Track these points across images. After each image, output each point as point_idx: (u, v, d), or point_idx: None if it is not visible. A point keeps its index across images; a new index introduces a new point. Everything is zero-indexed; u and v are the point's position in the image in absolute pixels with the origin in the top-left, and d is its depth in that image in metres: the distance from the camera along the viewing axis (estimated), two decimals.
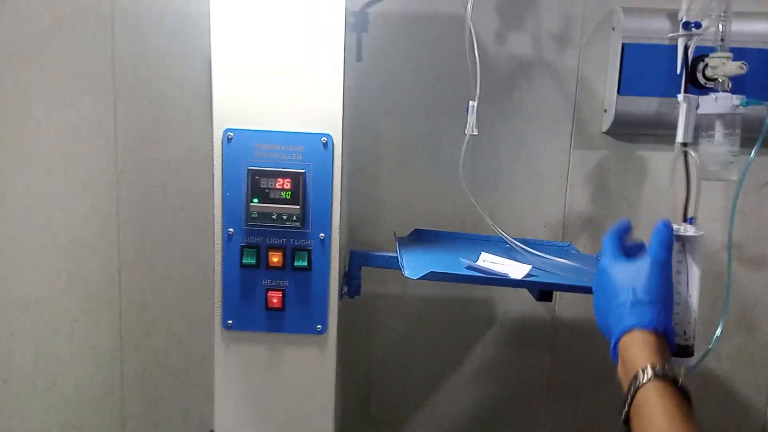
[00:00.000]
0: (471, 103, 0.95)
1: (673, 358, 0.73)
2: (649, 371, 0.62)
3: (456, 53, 1.14)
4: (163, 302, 1.25)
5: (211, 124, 0.85)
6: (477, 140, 0.96)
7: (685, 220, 0.80)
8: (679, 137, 0.81)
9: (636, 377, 0.62)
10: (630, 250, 0.76)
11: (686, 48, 0.82)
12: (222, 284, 0.88)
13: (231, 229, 0.86)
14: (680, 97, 0.81)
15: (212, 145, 0.85)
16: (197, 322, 1.25)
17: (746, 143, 0.98)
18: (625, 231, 0.78)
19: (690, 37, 0.81)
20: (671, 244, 0.72)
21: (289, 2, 0.82)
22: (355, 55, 0.94)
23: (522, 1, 1.15)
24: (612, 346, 0.68)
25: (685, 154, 0.81)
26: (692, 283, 0.77)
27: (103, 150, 1.19)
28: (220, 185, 0.85)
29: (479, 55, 0.91)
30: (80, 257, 1.22)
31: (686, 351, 0.78)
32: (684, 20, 0.82)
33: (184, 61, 1.17)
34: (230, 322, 0.88)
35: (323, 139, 0.85)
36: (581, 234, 1.23)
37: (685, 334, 0.77)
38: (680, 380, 0.62)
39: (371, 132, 1.19)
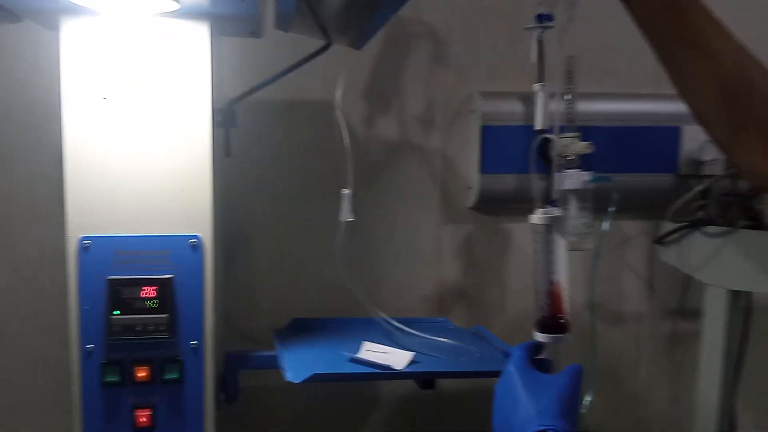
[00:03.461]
0: (344, 191, 0.96)
1: (550, 334, 0.78)
2: None
3: (325, 136, 1.14)
4: (11, 419, 1.11)
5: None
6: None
7: (549, 202, 0.82)
8: (537, 125, 0.83)
9: None
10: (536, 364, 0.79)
11: (540, 40, 0.84)
12: (82, 406, 0.79)
13: (90, 346, 0.78)
14: (536, 86, 0.82)
15: (66, 256, 0.77)
16: None
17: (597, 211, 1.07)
18: (535, 347, 0.82)
19: (543, 29, 0.83)
20: (581, 378, 0.76)
21: (151, 99, 0.78)
22: (224, 150, 0.91)
23: (387, 87, 1.18)
24: None
25: (545, 140, 0.83)
26: (562, 261, 0.80)
27: None
28: (76, 299, 0.78)
29: (350, 139, 0.92)
30: None
31: (563, 328, 0.82)
32: (538, 13, 0.85)
33: (35, 154, 1.08)
34: None
35: (192, 241, 0.80)
36: (457, 306, 1.26)
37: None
38: None
39: (243, 219, 1.15)
